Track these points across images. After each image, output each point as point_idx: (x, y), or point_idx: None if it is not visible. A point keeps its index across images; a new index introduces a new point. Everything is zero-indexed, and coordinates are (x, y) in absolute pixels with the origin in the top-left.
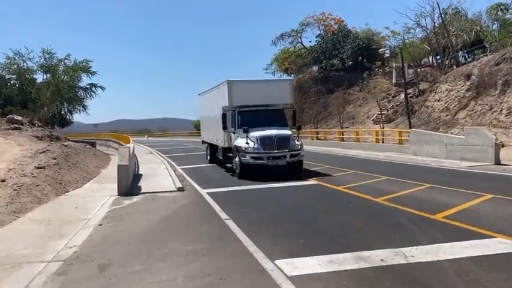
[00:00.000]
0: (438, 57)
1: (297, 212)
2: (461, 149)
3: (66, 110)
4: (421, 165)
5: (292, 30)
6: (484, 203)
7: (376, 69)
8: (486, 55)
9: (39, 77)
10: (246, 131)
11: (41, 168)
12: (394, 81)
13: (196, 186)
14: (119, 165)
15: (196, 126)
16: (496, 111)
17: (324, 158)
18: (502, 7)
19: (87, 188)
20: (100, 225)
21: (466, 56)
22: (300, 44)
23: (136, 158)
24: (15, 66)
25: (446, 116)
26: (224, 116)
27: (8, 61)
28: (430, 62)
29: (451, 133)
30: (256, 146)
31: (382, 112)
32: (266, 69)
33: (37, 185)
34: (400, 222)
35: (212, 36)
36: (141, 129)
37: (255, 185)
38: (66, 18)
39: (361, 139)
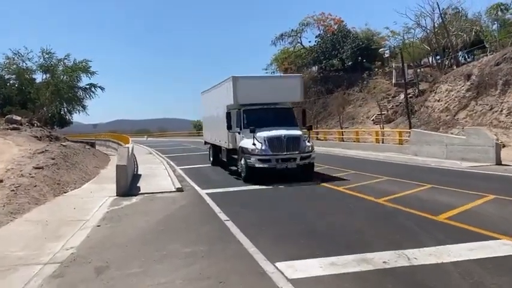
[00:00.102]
0: (438, 57)
1: (297, 212)
2: (462, 149)
3: (65, 110)
4: (422, 166)
5: (292, 30)
6: (486, 203)
7: (376, 70)
8: (486, 55)
9: (39, 77)
10: (253, 131)
11: (39, 168)
12: (393, 81)
13: (196, 187)
14: (117, 166)
15: (196, 126)
16: (496, 112)
17: (324, 158)
18: (501, 7)
19: (85, 188)
20: (98, 226)
21: (466, 56)
22: (299, 44)
23: (136, 158)
24: (14, 66)
25: (447, 116)
26: (228, 115)
27: (7, 61)
28: (430, 62)
29: (451, 133)
30: (263, 147)
31: (382, 112)
32: (266, 69)
33: (35, 186)
34: (402, 223)
35: (212, 36)
36: (141, 130)
37: (255, 185)
38: (66, 18)
39: (361, 139)
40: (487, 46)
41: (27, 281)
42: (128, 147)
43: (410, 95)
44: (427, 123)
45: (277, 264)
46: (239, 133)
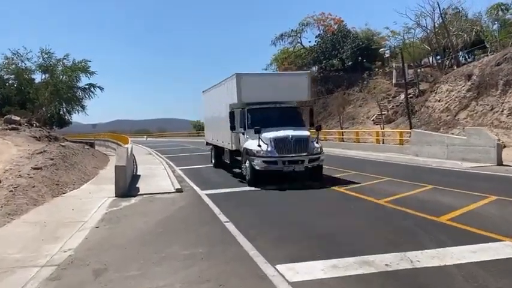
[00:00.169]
0: (438, 57)
1: (297, 213)
2: (463, 149)
3: (64, 110)
4: (423, 166)
5: (292, 30)
6: (488, 204)
7: (376, 70)
8: (487, 55)
9: (38, 77)
10: (258, 132)
11: (37, 169)
12: (394, 81)
13: (195, 188)
14: (116, 166)
15: (196, 126)
16: (497, 112)
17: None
18: (502, 7)
19: (84, 189)
20: (96, 227)
21: (467, 56)
22: (299, 44)
23: (135, 158)
24: (13, 66)
25: (447, 116)
26: (232, 114)
27: (6, 61)
28: (430, 62)
29: (452, 133)
30: (269, 148)
31: (382, 112)
32: (265, 69)
33: (33, 186)
34: (404, 224)
35: (212, 36)
36: (140, 130)
37: (255, 186)
38: (65, 18)
39: (361, 139)
40: (487, 46)
41: (23, 284)
42: (127, 148)
43: (410, 95)
44: (428, 124)
45: (278, 266)
46: (243, 134)
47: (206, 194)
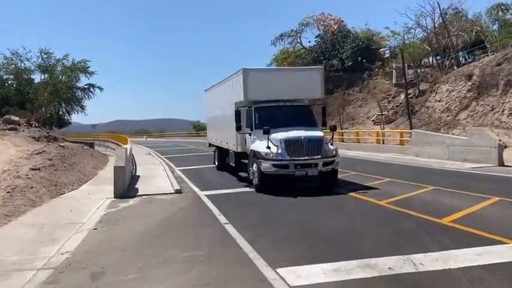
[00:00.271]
0: (438, 57)
1: (297, 215)
2: (464, 150)
3: (64, 110)
4: (424, 167)
5: (292, 30)
6: (491, 206)
7: (376, 70)
8: (487, 55)
9: (37, 77)
10: (267, 132)
11: (36, 169)
12: (394, 81)
13: (195, 188)
14: (115, 167)
15: (195, 126)
16: (497, 112)
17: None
18: (502, 7)
19: (83, 190)
20: (95, 229)
21: (467, 57)
22: (299, 44)
23: (134, 159)
24: (12, 66)
25: (447, 116)
26: (238, 113)
27: (6, 61)
28: (431, 62)
29: (452, 134)
30: (279, 151)
31: (382, 113)
32: None
33: (31, 187)
34: (406, 226)
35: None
36: (140, 130)
37: (253, 187)
38: (65, 18)
39: (361, 140)
40: (487, 46)
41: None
42: (126, 148)
43: (410, 96)
44: (428, 124)
45: (279, 270)
46: (250, 134)
47: (206, 195)
